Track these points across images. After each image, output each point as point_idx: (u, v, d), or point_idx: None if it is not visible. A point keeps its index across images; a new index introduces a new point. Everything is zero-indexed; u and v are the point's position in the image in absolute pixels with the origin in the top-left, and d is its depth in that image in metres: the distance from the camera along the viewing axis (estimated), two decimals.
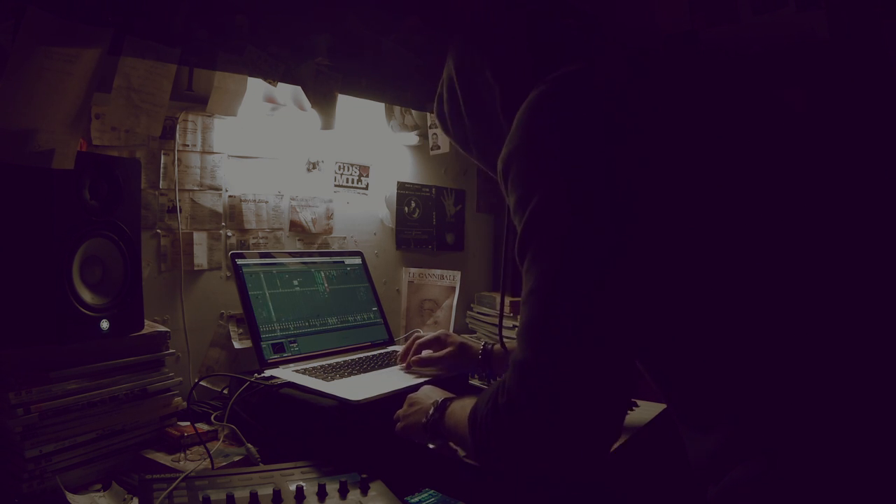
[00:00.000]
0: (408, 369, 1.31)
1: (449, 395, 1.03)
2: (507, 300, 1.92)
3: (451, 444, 1.04)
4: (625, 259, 0.69)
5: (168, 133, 1.35)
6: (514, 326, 1.87)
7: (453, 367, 1.30)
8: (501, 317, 1.10)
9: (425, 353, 1.32)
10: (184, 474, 0.92)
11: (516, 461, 0.75)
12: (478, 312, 2.07)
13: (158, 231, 1.36)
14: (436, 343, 1.34)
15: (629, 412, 1.32)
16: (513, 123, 0.78)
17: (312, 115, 1.52)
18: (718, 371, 0.70)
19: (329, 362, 1.33)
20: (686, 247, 0.70)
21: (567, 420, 0.69)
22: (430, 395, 1.05)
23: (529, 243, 0.72)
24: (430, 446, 1.07)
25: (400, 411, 1.08)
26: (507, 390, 0.73)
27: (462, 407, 0.93)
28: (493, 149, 0.96)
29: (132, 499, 0.97)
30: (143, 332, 1.14)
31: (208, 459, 1.03)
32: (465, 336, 1.95)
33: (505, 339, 1.16)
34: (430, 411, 0.99)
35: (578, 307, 0.68)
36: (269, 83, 1.38)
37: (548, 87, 0.75)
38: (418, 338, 1.36)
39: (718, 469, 0.69)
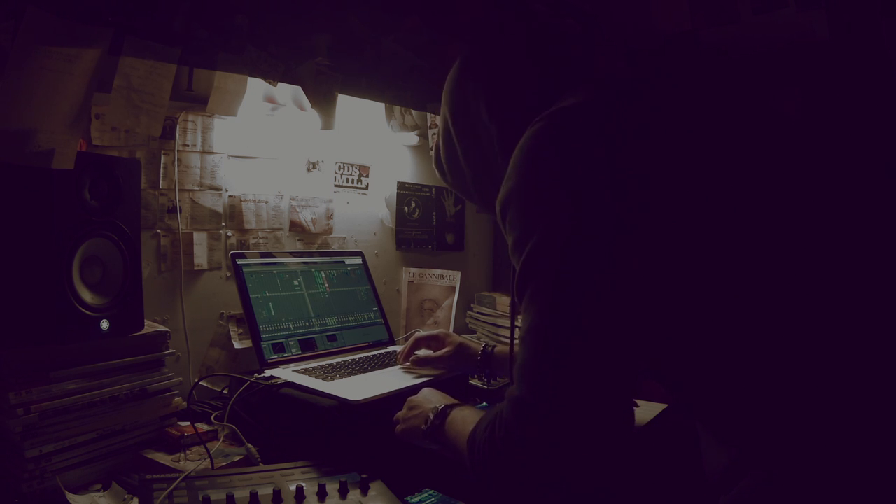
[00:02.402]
0: (406, 368, 1.31)
1: (449, 400, 1.03)
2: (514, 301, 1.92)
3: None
4: (621, 299, 0.69)
5: (168, 133, 1.35)
6: (516, 327, 1.87)
7: (452, 368, 1.30)
8: (513, 320, 1.09)
9: (423, 352, 1.32)
10: (184, 474, 0.92)
11: (513, 488, 0.77)
12: (478, 312, 2.07)
13: (158, 231, 1.36)
14: (435, 341, 1.33)
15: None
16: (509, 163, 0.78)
17: (312, 115, 1.52)
18: (730, 387, 0.70)
19: (329, 362, 1.33)
20: (691, 277, 0.69)
21: (562, 456, 0.71)
22: (431, 399, 1.04)
23: (527, 284, 0.73)
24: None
25: (399, 414, 1.08)
26: (504, 425, 0.74)
27: (462, 419, 0.93)
28: (494, 191, 0.96)
29: (132, 499, 0.97)
30: (143, 332, 1.14)
31: (208, 459, 1.03)
32: (466, 336, 1.95)
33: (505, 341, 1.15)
34: (430, 417, 0.99)
35: (574, 348, 0.69)
36: (269, 83, 1.38)
37: (542, 125, 0.75)
38: (418, 336, 1.36)
39: (730, 480, 0.69)
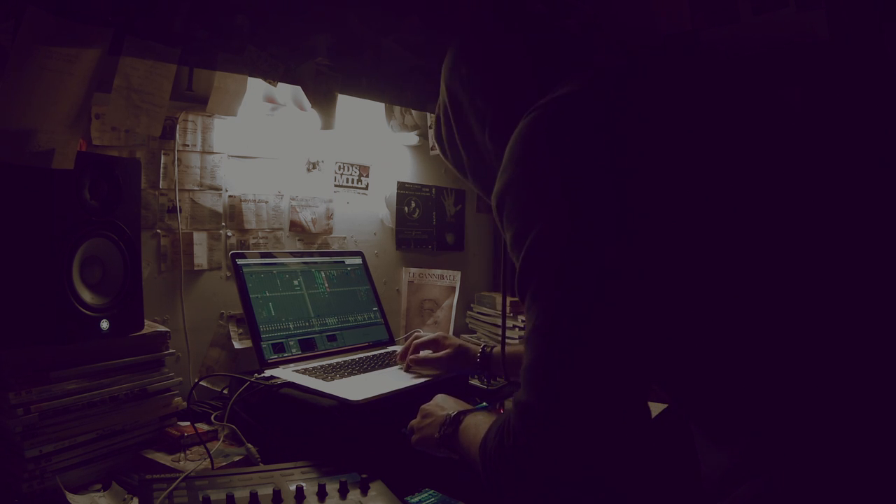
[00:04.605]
0: (407, 369, 1.31)
1: (463, 406, 1.01)
2: (508, 300, 1.92)
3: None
4: (627, 294, 0.67)
5: (168, 133, 1.35)
6: (515, 327, 1.87)
7: (452, 369, 1.30)
8: (504, 320, 1.08)
9: (423, 353, 1.32)
10: (184, 474, 0.92)
11: (526, 496, 0.74)
12: (478, 312, 2.07)
13: (158, 231, 1.36)
14: (434, 344, 1.33)
15: None
16: (503, 152, 0.76)
17: (312, 115, 1.52)
18: (732, 390, 0.69)
19: (329, 362, 1.33)
20: (690, 270, 0.68)
21: (573, 461, 0.68)
22: (443, 406, 1.03)
23: (529, 281, 0.71)
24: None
25: (413, 422, 1.06)
26: (512, 432, 0.72)
27: (475, 425, 0.91)
28: (486, 175, 0.95)
29: (132, 499, 0.97)
30: (143, 332, 1.14)
31: (208, 459, 1.03)
32: (465, 337, 1.95)
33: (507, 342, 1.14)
34: (443, 426, 0.97)
35: (580, 349, 0.67)
36: (269, 83, 1.38)
37: (536, 115, 0.73)
38: (417, 338, 1.35)
39: (728, 485, 0.68)
